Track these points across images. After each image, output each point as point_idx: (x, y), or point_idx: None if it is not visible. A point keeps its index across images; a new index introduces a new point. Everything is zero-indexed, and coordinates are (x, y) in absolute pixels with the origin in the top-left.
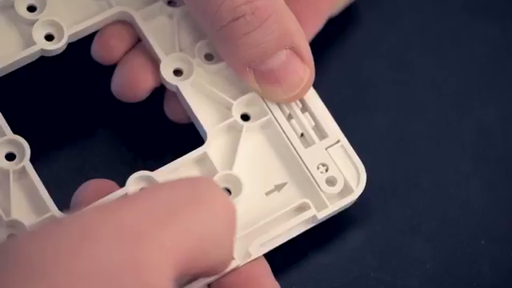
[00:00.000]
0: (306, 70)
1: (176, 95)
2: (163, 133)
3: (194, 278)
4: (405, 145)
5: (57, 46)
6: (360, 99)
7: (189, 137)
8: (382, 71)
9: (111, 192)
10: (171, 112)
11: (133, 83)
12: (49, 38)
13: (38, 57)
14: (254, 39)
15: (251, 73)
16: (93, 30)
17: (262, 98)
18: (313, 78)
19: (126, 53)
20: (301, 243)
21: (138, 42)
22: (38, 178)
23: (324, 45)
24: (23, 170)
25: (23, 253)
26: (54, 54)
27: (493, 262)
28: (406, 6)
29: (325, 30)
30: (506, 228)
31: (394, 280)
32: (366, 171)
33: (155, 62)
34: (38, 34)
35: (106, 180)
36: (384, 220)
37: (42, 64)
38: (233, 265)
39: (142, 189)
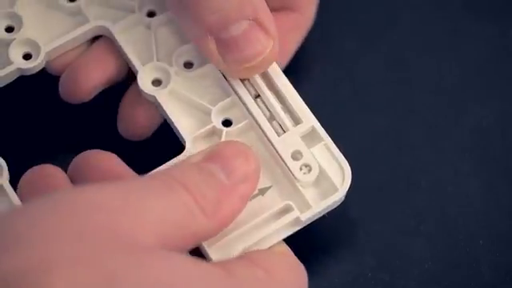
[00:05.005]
0: (268, 40)
1: (128, 111)
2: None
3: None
4: (403, 144)
5: (34, 64)
6: (359, 99)
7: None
8: (381, 71)
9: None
10: (125, 129)
11: (76, 82)
12: (27, 56)
13: (16, 76)
14: (215, 4)
15: (212, 42)
16: (71, 47)
17: (242, 101)
18: (277, 51)
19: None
20: (299, 243)
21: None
22: (17, 198)
23: (322, 45)
24: (1, 190)
25: (10, 224)
26: (31, 72)
27: (491, 262)
28: (404, 5)
29: (324, 29)
30: (505, 228)
31: (393, 280)
32: (365, 171)
33: (109, 62)
34: (16, 54)
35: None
36: (382, 220)
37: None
38: None
39: None
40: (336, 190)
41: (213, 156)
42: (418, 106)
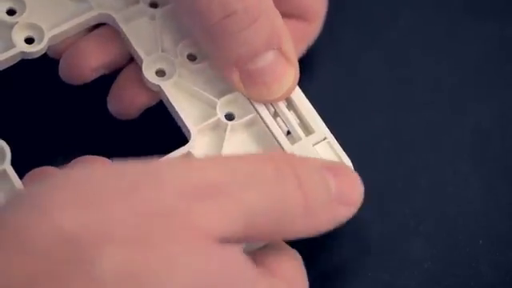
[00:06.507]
0: (291, 71)
1: (119, 88)
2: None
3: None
4: (403, 144)
5: (37, 49)
6: (358, 98)
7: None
8: (381, 70)
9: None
10: (114, 105)
11: (76, 62)
12: (29, 40)
13: (18, 60)
14: (245, 37)
15: (237, 73)
16: (73, 33)
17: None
18: (297, 79)
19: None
20: (299, 243)
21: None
22: (20, 182)
23: (323, 44)
24: (4, 174)
25: (82, 183)
26: (34, 56)
27: (491, 262)
28: (404, 5)
29: (324, 28)
30: (505, 228)
31: (393, 280)
32: (365, 170)
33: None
34: (18, 37)
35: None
36: (382, 220)
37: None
38: None
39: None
40: None
41: (334, 169)
42: (418, 106)
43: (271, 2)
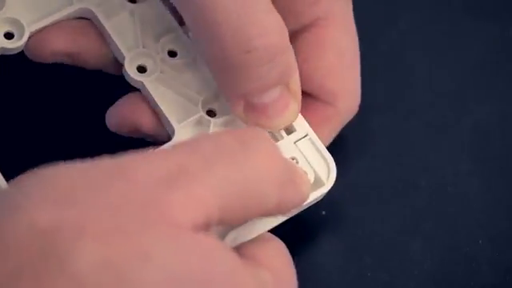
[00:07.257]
0: (295, 106)
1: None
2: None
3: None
4: (403, 144)
5: (17, 45)
6: None
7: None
8: (381, 71)
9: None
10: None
11: (40, 43)
12: (8, 35)
13: None
14: (259, 74)
15: (242, 104)
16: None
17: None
18: (298, 113)
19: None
20: (298, 243)
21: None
22: (4, 181)
23: None
24: None
25: (57, 181)
26: (14, 52)
27: (491, 262)
28: (404, 5)
29: None
30: (504, 227)
31: (392, 280)
32: (365, 171)
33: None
34: None
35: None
36: (382, 219)
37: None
38: None
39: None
40: (322, 183)
41: None
42: (418, 106)
43: (287, 38)
